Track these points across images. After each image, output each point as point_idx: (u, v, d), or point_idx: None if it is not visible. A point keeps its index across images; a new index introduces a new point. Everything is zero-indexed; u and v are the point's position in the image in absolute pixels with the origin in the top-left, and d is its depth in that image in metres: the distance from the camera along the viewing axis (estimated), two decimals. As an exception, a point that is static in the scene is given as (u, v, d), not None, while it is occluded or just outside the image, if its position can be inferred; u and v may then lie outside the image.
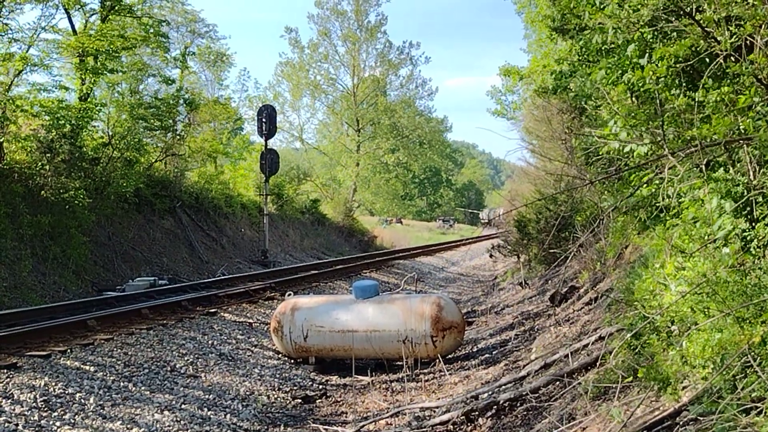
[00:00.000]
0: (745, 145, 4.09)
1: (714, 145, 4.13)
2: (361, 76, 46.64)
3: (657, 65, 4.62)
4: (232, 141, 35.93)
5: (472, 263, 27.71)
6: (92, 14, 18.71)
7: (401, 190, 63.35)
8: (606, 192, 9.94)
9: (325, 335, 9.35)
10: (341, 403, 7.97)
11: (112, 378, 7.40)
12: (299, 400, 8.05)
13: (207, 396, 7.56)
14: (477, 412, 6.00)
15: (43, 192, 14.11)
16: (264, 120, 22.42)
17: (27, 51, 16.32)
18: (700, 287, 4.00)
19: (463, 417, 5.99)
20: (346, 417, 7.37)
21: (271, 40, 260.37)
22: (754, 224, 4.16)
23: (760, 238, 4.09)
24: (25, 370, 7.05)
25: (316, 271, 17.69)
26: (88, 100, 17.35)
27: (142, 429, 6.27)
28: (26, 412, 6.05)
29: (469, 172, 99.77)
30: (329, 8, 45.13)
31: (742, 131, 4.14)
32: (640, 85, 5.35)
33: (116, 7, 18.31)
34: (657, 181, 4.82)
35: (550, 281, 13.30)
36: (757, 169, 4.12)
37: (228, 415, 7.08)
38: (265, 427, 7.05)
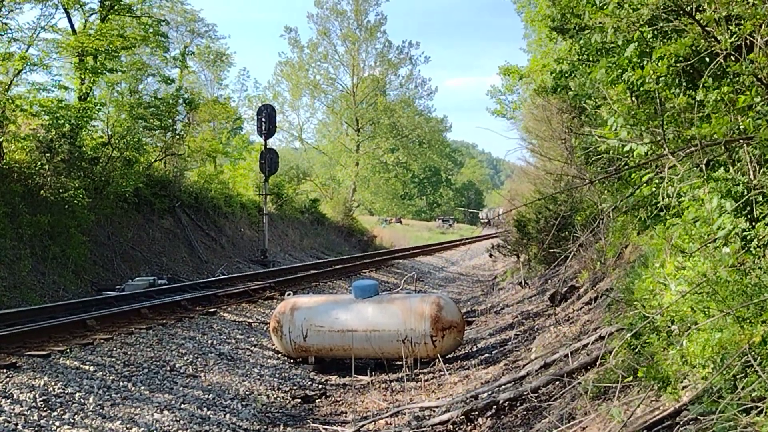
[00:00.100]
0: (745, 145, 4.09)
1: (714, 144, 4.12)
2: (360, 76, 46.65)
3: (657, 64, 4.61)
4: (232, 141, 35.95)
5: (472, 263, 27.71)
6: (92, 14, 18.72)
7: (401, 190, 63.36)
8: (606, 192, 9.94)
9: (325, 335, 9.34)
10: (341, 402, 7.96)
11: (111, 378, 7.39)
12: (299, 400, 8.04)
13: (206, 396, 7.56)
14: (477, 412, 5.99)
15: (42, 192, 14.10)
16: (263, 119, 22.41)
17: (26, 50, 16.34)
18: (700, 287, 4.00)
19: (463, 417, 5.99)
20: (345, 417, 7.36)
21: (270, 39, 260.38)
22: (754, 224, 4.16)
23: (761, 237, 4.09)
24: (25, 369, 7.05)
25: (316, 271, 17.68)
26: (88, 99, 17.34)
27: (142, 429, 6.27)
28: (26, 412, 6.04)
29: (469, 172, 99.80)
30: (329, 8, 45.16)
31: (742, 131, 4.14)
32: (640, 84, 5.34)
33: (116, 7, 18.31)
34: (657, 181, 4.81)
35: (549, 281, 13.30)
36: (757, 169, 4.12)
37: (227, 415, 7.08)
38: (265, 426, 7.04)
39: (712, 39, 4.42)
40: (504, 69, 20.45)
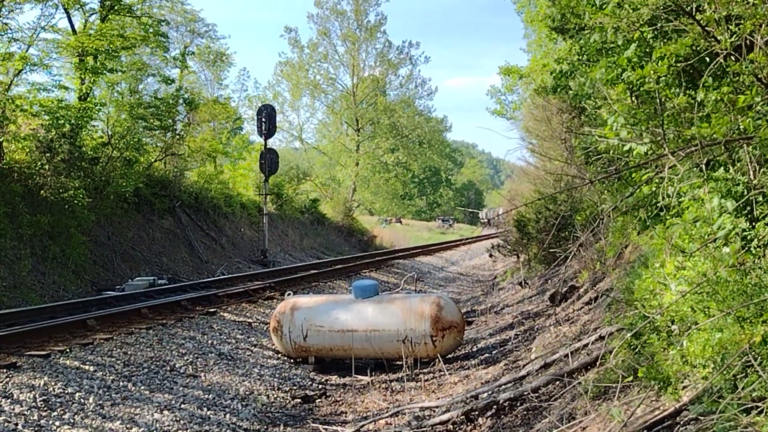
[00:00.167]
0: (745, 145, 4.09)
1: (714, 144, 4.12)
2: (360, 76, 46.66)
3: (657, 64, 4.61)
4: (232, 141, 35.95)
5: (472, 263, 27.71)
6: (92, 14, 18.72)
7: (401, 190, 63.37)
8: (606, 192, 9.94)
9: (325, 335, 9.34)
10: (341, 402, 7.96)
11: (111, 377, 7.39)
12: (299, 400, 8.04)
13: (206, 396, 7.56)
14: (477, 412, 5.99)
15: (42, 192, 14.10)
16: (263, 120, 22.42)
17: (27, 50, 16.34)
18: (700, 287, 4.00)
19: (463, 417, 5.99)
20: (345, 417, 7.36)
21: (270, 40, 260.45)
22: (754, 224, 4.16)
23: (761, 237, 4.09)
24: (25, 369, 7.05)
25: (316, 271, 17.68)
26: (88, 99, 17.34)
27: (142, 429, 6.27)
28: (26, 412, 6.04)
29: (469, 172, 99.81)
30: (329, 8, 45.18)
31: (742, 130, 4.13)
32: (640, 84, 5.35)
33: (116, 7, 18.31)
34: (657, 181, 4.81)
35: (549, 281, 13.30)
36: (757, 169, 4.12)
37: (227, 415, 7.08)
38: (265, 426, 7.04)
39: (712, 39, 4.42)
40: (504, 69, 20.49)
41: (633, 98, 5.87)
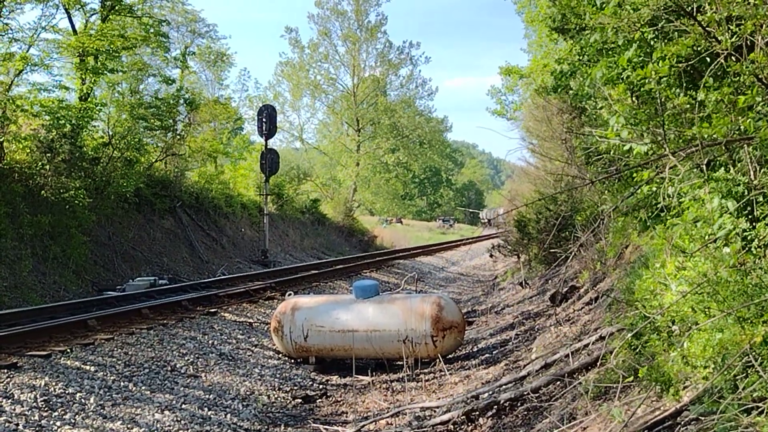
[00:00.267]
0: (745, 145, 4.09)
1: (715, 144, 4.12)
2: (361, 76, 46.65)
3: (658, 65, 4.61)
4: (232, 141, 35.94)
5: (472, 263, 27.71)
6: (92, 14, 18.73)
7: (401, 190, 63.34)
8: (606, 192, 9.94)
9: (326, 335, 9.35)
10: (341, 402, 7.97)
11: (112, 378, 7.40)
12: (299, 400, 8.05)
13: (207, 396, 7.56)
14: (477, 412, 6.00)
15: (43, 192, 14.11)
16: (264, 120, 22.43)
17: (27, 51, 16.34)
18: (700, 287, 4.00)
19: (464, 417, 5.99)
20: (346, 417, 7.37)
21: (271, 40, 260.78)
22: (754, 224, 4.16)
23: (761, 237, 4.09)
24: (26, 369, 7.05)
25: (316, 271, 17.69)
26: (89, 99, 17.35)
27: (143, 429, 6.27)
28: (27, 412, 6.04)
29: (469, 172, 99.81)
30: (329, 8, 45.18)
31: (743, 131, 4.13)
32: (641, 84, 5.35)
33: (116, 7, 18.32)
34: (657, 181, 4.81)
35: (550, 281, 13.30)
36: (758, 169, 4.12)
37: (228, 415, 7.08)
38: (266, 426, 7.05)
39: (713, 39, 4.42)
40: (504, 69, 20.49)
41: (633, 98, 5.87)
